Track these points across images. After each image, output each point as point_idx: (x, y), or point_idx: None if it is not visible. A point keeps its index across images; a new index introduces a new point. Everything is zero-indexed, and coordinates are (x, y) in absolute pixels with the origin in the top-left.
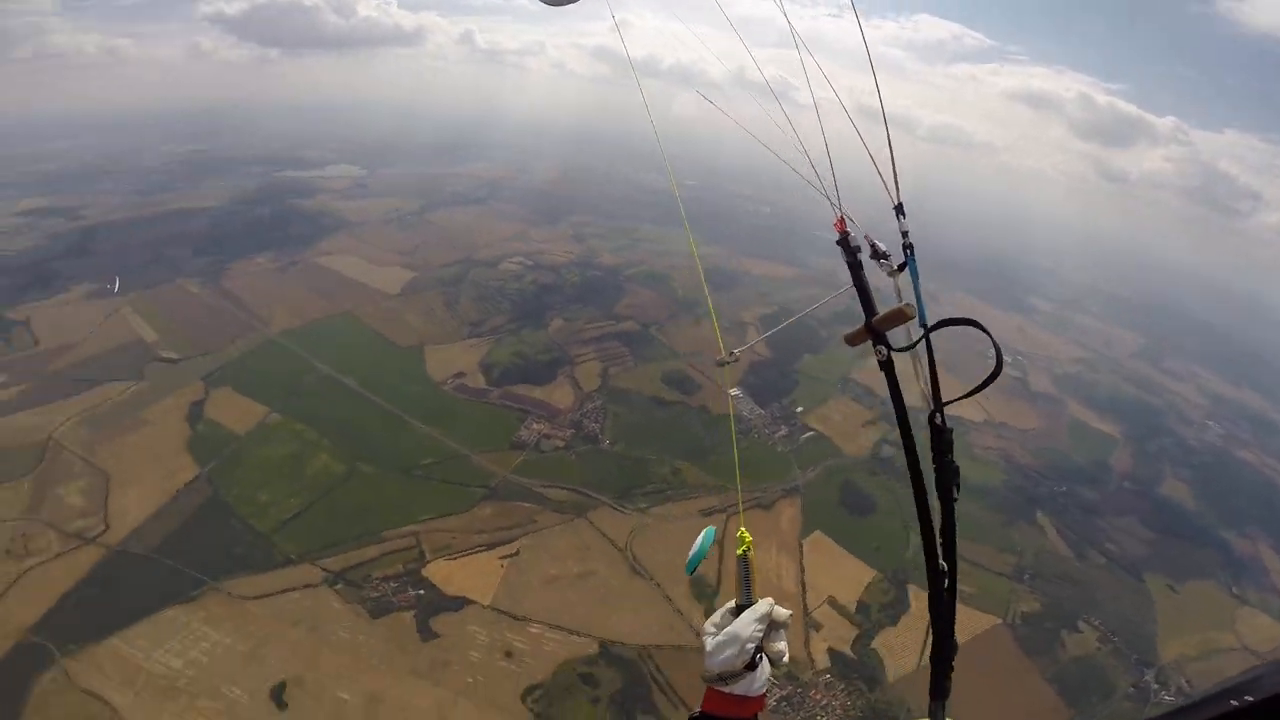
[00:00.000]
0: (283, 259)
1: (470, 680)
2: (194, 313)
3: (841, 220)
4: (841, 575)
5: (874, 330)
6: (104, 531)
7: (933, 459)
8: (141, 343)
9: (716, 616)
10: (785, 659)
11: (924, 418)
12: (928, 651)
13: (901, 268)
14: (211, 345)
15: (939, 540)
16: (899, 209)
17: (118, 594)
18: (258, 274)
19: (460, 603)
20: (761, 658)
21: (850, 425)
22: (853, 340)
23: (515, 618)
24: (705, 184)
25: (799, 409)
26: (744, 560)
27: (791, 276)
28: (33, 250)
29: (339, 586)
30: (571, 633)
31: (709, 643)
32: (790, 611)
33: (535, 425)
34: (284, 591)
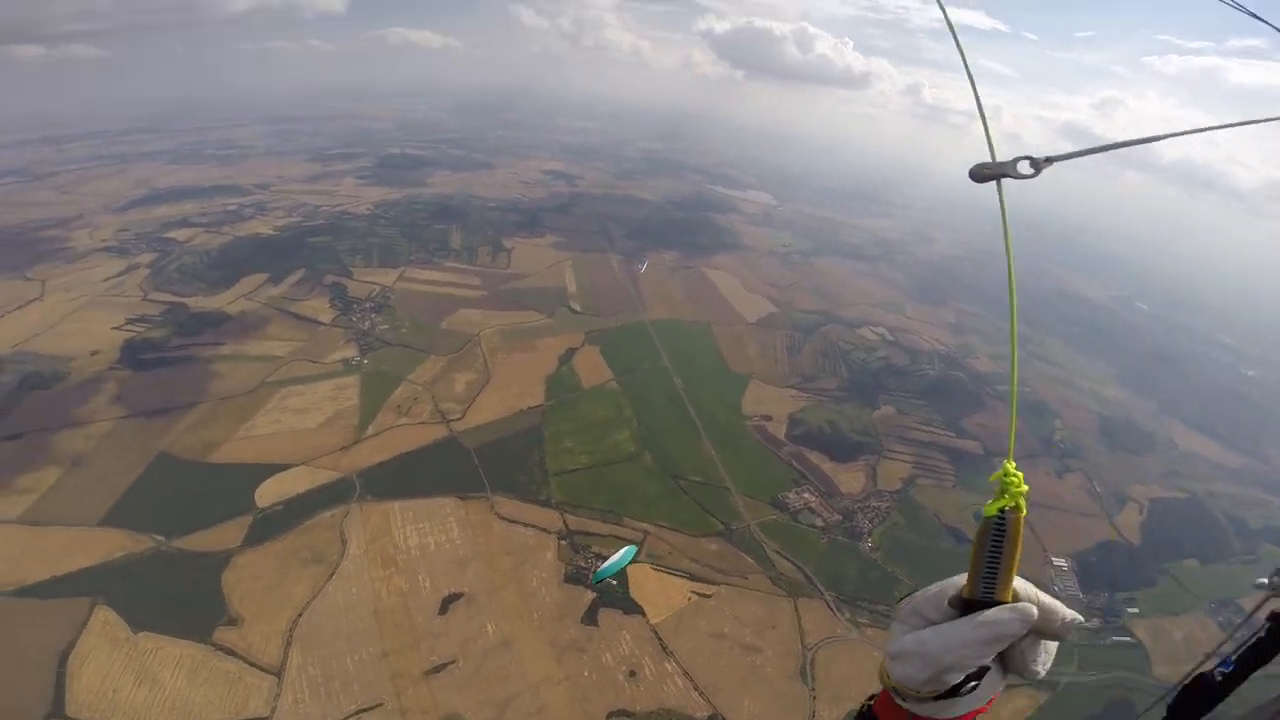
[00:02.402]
0: (682, 261)
1: (585, 674)
2: (606, 282)
3: None
4: None
5: None
6: (458, 419)
7: None
8: (564, 291)
9: (921, 597)
10: (1041, 671)
11: None
12: None
13: None
14: (604, 311)
15: None
16: None
17: (429, 469)
18: (660, 266)
19: (634, 608)
20: (977, 680)
21: (1187, 649)
22: None
23: (664, 647)
24: (1164, 313)
25: (1133, 610)
26: (1000, 522)
27: (1235, 466)
28: (538, 201)
29: (563, 542)
30: (697, 689)
31: (893, 639)
32: (1075, 617)
33: (805, 495)
34: (527, 525)
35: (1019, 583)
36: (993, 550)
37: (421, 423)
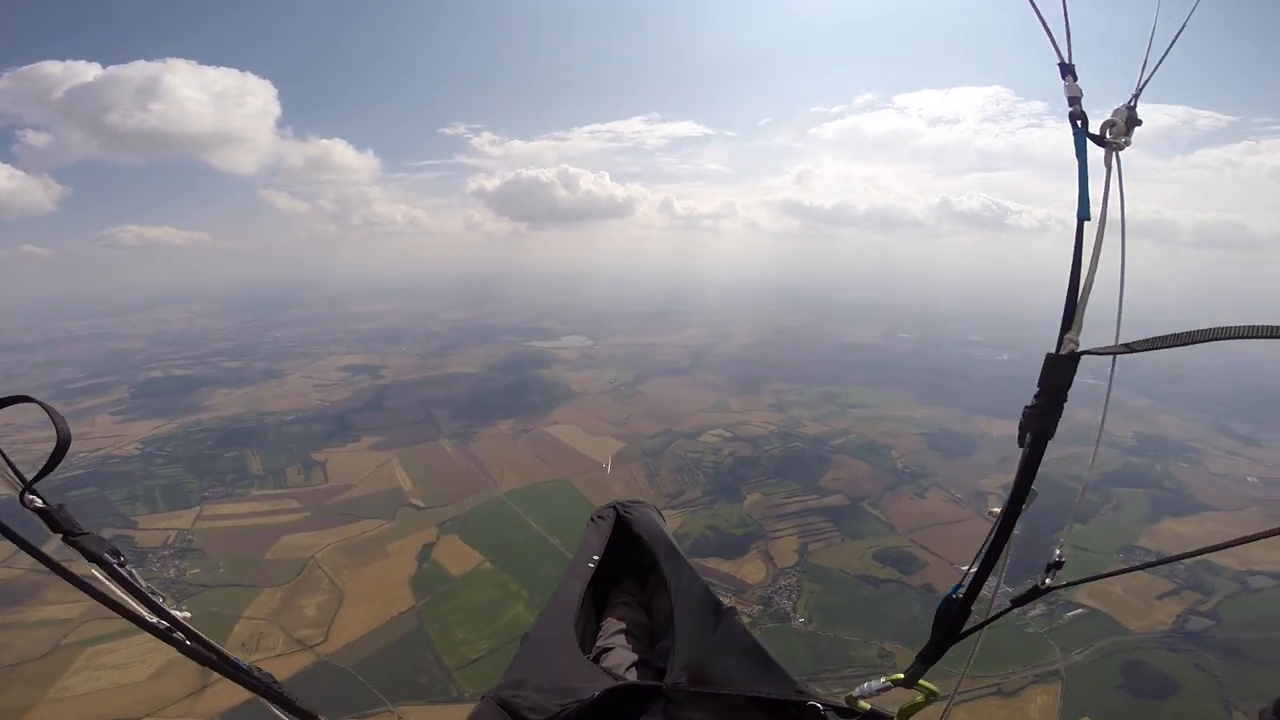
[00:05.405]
0: (519, 426)
1: None
2: (445, 469)
3: None
4: None
5: None
6: (322, 642)
7: None
8: (400, 490)
9: None
10: None
11: None
12: None
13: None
14: (451, 498)
15: None
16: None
17: (306, 698)
18: (498, 438)
19: None
20: None
21: (1140, 599)
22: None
23: None
24: (923, 335)
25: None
26: None
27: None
28: (343, 402)
29: None
30: None
31: None
32: None
33: (721, 598)
34: None
35: None
36: None
37: (279, 655)
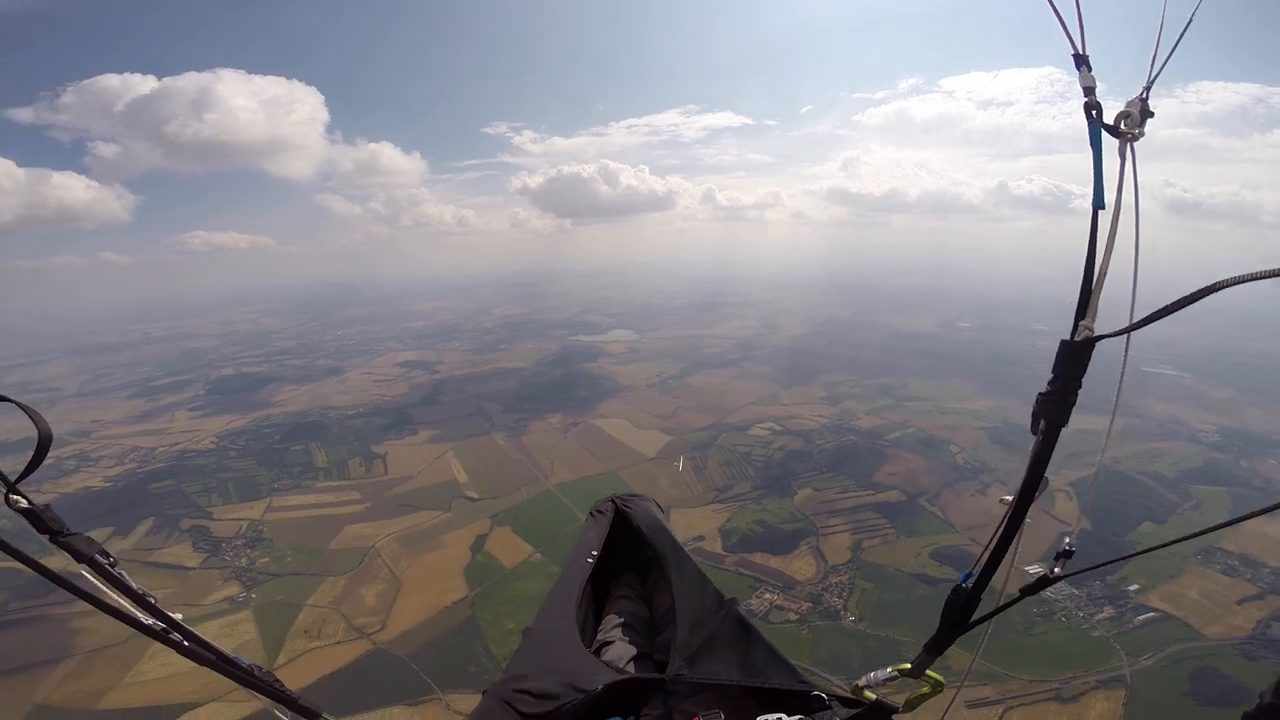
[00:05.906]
0: (568, 420)
1: None
2: (497, 462)
3: None
4: None
5: None
6: (379, 630)
7: None
8: (455, 482)
9: None
10: None
11: None
12: None
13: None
14: (503, 490)
15: None
16: None
17: (362, 685)
18: (548, 432)
19: None
20: None
21: (1217, 603)
22: None
23: None
24: (983, 323)
25: (1133, 587)
26: None
27: (1117, 430)
28: (401, 398)
29: None
30: None
31: None
32: None
33: (768, 595)
34: None
35: None
36: None
37: (339, 642)
